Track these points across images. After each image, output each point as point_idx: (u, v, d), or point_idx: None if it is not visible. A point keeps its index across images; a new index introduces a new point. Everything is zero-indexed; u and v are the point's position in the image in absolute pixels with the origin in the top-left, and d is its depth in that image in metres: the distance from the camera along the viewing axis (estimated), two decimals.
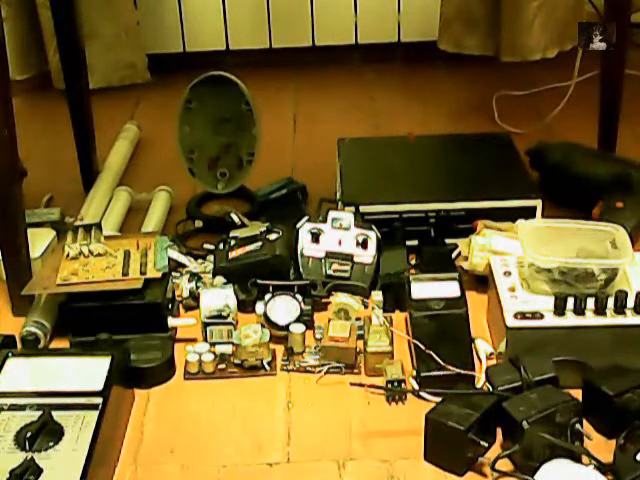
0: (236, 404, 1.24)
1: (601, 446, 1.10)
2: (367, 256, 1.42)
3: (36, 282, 1.37)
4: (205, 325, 1.33)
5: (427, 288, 1.30)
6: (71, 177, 1.83)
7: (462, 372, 1.20)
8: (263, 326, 1.31)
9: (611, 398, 1.11)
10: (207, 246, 1.56)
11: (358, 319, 1.32)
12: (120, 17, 2.30)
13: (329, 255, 1.42)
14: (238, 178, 1.72)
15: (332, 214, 1.46)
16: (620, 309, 1.19)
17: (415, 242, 1.51)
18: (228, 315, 1.33)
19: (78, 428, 1.06)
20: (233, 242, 1.48)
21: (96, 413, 1.08)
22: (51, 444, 1.04)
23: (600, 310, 1.19)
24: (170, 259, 1.43)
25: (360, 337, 1.29)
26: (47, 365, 1.20)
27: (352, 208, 1.49)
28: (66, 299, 1.34)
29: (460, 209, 1.51)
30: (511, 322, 1.20)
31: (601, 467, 1.05)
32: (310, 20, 2.36)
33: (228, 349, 1.30)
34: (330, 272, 1.41)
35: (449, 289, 1.30)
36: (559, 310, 1.19)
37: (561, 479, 1.03)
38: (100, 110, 1.87)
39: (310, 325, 1.34)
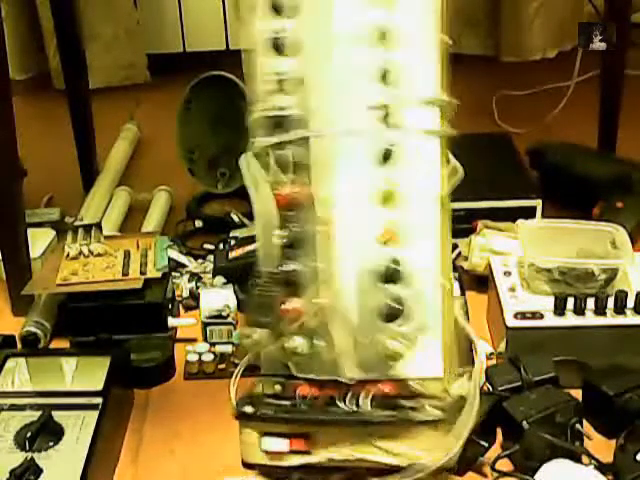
0: None
1: (601, 446, 1.09)
2: None
3: (36, 282, 1.37)
4: (205, 325, 1.33)
5: None
6: (71, 177, 1.83)
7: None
8: None
9: (611, 398, 1.11)
10: (207, 246, 1.56)
11: None
12: (120, 17, 2.30)
13: None
14: (238, 178, 1.71)
15: None
16: (620, 309, 1.19)
17: None
18: (228, 315, 1.33)
19: (78, 428, 1.06)
20: (233, 242, 1.48)
21: (96, 413, 1.08)
22: (51, 444, 1.04)
23: (600, 310, 1.19)
24: (170, 259, 1.43)
25: None
26: (47, 365, 1.20)
27: None
28: (66, 299, 1.34)
29: (460, 209, 1.50)
30: (511, 322, 1.19)
31: (601, 467, 1.05)
32: None
33: (228, 349, 1.30)
34: None
35: None
36: (559, 310, 1.19)
37: (561, 479, 1.03)
38: (100, 110, 1.87)
39: None
